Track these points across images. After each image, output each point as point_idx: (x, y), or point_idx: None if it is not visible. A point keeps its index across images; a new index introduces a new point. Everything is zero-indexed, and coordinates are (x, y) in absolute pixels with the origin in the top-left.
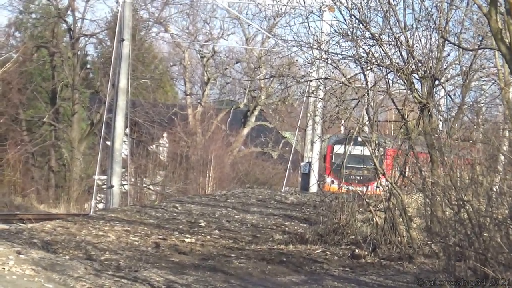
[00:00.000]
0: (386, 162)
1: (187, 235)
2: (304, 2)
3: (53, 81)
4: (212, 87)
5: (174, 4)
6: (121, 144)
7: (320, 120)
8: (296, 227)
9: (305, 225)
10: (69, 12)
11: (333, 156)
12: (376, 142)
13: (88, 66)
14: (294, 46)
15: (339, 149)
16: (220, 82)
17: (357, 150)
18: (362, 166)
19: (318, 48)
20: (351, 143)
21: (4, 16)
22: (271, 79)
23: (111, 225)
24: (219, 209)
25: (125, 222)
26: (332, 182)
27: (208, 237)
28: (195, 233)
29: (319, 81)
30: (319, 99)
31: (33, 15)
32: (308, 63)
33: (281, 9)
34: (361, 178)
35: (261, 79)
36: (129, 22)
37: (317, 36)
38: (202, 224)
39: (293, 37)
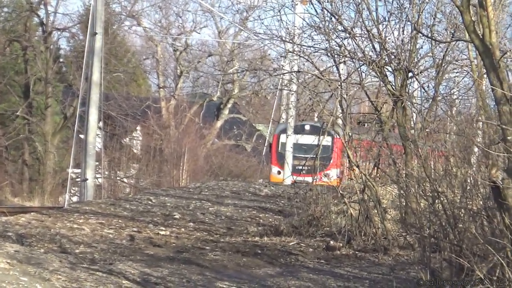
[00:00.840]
0: (335, 151)
1: (161, 228)
2: None
3: (26, 75)
4: (185, 80)
5: None
6: (95, 137)
7: (293, 113)
8: (270, 219)
9: (279, 217)
10: (41, 6)
11: (279, 145)
12: (349, 134)
13: (61, 60)
14: (267, 39)
15: (285, 138)
16: (193, 75)
17: (305, 139)
18: (310, 156)
19: (291, 41)
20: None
21: None
22: (244, 72)
23: (86, 218)
24: (194, 202)
25: (99, 215)
26: (279, 172)
27: (183, 229)
28: (169, 225)
29: (292, 74)
30: (292, 92)
31: (5, 9)
32: (281, 56)
33: (253, 2)
34: (309, 168)
35: (234, 73)
36: (102, 15)
37: (289, 29)
38: (177, 216)
39: (265, 31)
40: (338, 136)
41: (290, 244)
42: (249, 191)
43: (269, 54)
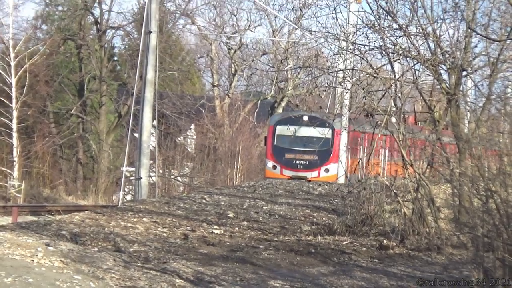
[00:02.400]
0: (335, 143)
1: (215, 227)
2: None
3: (80, 73)
4: (239, 79)
5: None
6: (149, 136)
7: (347, 111)
8: (324, 218)
9: (333, 216)
10: (96, 5)
11: (275, 138)
12: (403, 133)
13: (115, 58)
14: (321, 37)
15: (282, 130)
16: (247, 73)
17: (303, 131)
18: (309, 149)
19: (345, 39)
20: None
21: (31, 9)
22: (298, 70)
23: (140, 217)
24: (247, 200)
25: (153, 213)
26: (274, 167)
27: (237, 228)
28: (223, 224)
29: (346, 72)
30: (347, 90)
31: (60, 8)
32: (335, 54)
33: (308, 0)
34: (307, 162)
35: (288, 70)
36: (156, 14)
37: (344, 27)
38: (231, 215)
39: (320, 29)
40: (338, 128)
41: (344, 243)
42: (302, 190)
43: (323, 52)
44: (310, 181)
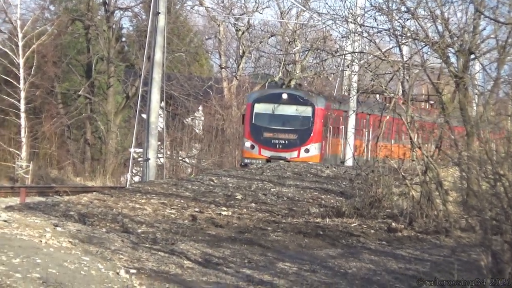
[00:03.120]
0: (316, 122)
1: (223, 208)
2: None
3: (88, 54)
4: (247, 61)
5: None
6: (157, 117)
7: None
8: (332, 201)
9: (341, 198)
10: None
11: (253, 116)
12: (412, 116)
13: (123, 39)
14: (329, 19)
15: (260, 108)
16: (255, 55)
17: (282, 110)
18: (288, 128)
19: (353, 21)
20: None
21: None
22: (306, 52)
23: (148, 198)
24: (255, 182)
25: (161, 195)
26: (252, 146)
27: (245, 210)
28: (231, 206)
29: (354, 55)
30: (354, 73)
31: None
32: (343, 37)
33: None
34: (286, 142)
35: (296, 53)
36: None
37: (352, 9)
38: (239, 197)
39: (328, 11)
40: (319, 106)
41: (352, 225)
42: (310, 172)
43: (331, 35)
44: (289, 161)
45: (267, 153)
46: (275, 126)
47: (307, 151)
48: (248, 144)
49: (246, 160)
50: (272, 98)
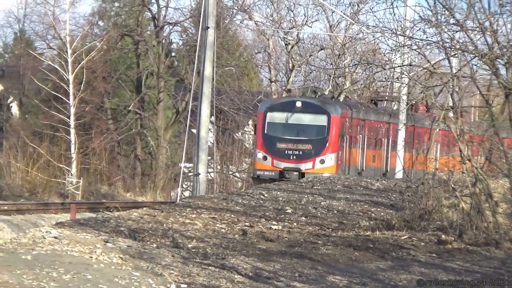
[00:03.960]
0: (332, 131)
1: (273, 222)
2: None
3: (138, 70)
4: (297, 74)
5: None
6: (207, 131)
7: (405, 106)
8: (382, 213)
9: (391, 211)
10: (153, 0)
11: (266, 125)
12: (461, 128)
13: (173, 54)
14: (378, 32)
15: (273, 117)
16: (304, 69)
17: (296, 119)
18: (303, 138)
19: (402, 34)
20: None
21: (88, 5)
22: (356, 65)
23: (198, 213)
24: (306, 196)
25: (211, 209)
26: (265, 158)
27: (295, 224)
28: (281, 220)
29: (404, 67)
30: (404, 85)
31: (117, 4)
32: (392, 50)
33: None
34: (300, 153)
35: (346, 66)
36: (214, 9)
37: (401, 22)
38: (289, 211)
39: (377, 24)
40: (334, 114)
41: (402, 238)
42: (360, 185)
43: (380, 48)
44: (303, 175)
45: (280, 165)
46: (288, 136)
47: (322, 162)
48: (260, 155)
49: (258, 172)
50: (285, 107)
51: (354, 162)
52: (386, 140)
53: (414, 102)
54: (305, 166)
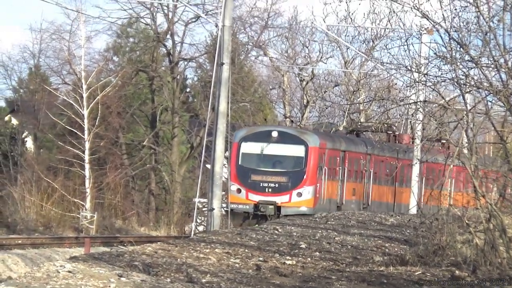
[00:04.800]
0: (310, 163)
1: (287, 257)
2: (404, 25)
3: (152, 105)
4: (312, 110)
5: (273, 27)
6: (221, 167)
7: (419, 143)
8: (396, 249)
9: (405, 246)
10: (168, 36)
11: (240, 156)
12: (476, 164)
13: (188, 89)
14: (393, 69)
15: (247, 147)
16: (319, 105)
17: (272, 149)
18: (279, 170)
19: (417, 71)
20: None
21: (103, 40)
22: (370, 101)
23: (212, 248)
24: (320, 231)
25: (226, 244)
26: (239, 190)
27: (309, 259)
28: (295, 255)
29: (418, 104)
30: (419, 122)
31: (132, 39)
32: (407, 86)
33: (380, 31)
34: (276, 185)
35: (361, 103)
36: (229, 46)
37: (415, 59)
38: (303, 246)
39: (392, 60)
40: (312, 144)
41: (416, 273)
42: (374, 221)
43: (395, 84)
44: (279, 209)
45: (255, 198)
46: (264, 167)
47: (299, 195)
48: (234, 188)
49: (232, 206)
50: (260, 137)
51: (333, 195)
52: (367, 172)
53: (398, 133)
54: (281, 199)
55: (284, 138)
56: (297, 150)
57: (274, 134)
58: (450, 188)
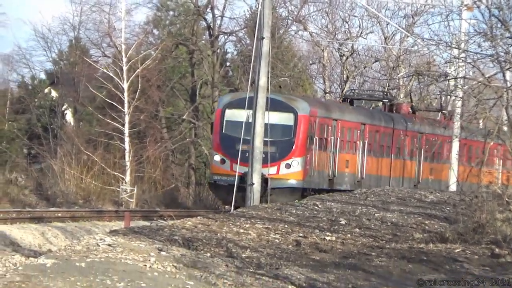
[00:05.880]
0: (300, 132)
1: (327, 233)
2: (444, 1)
3: (192, 79)
4: (351, 86)
5: (313, 2)
6: (261, 141)
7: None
8: (436, 226)
9: (445, 224)
10: (208, 10)
11: (224, 124)
12: None
13: (227, 63)
14: (433, 45)
15: (232, 114)
16: (359, 80)
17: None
18: (266, 139)
19: (457, 47)
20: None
21: (143, 13)
22: (410, 77)
23: (252, 223)
24: (359, 208)
25: (265, 219)
26: (222, 161)
27: (349, 235)
28: (335, 231)
29: (458, 81)
30: (458, 99)
31: (171, 13)
32: (447, 62)
33: (420, 7)
34: (263, 156)
35: (400, 77)
36: (269, 20)
37: (456, 35)
38: (343, 222)
39: (432, 36)
40: (302, 112)
41: (456, 251)
42: (414, 197)
43: (435, 60)
44: (267, 181)
45: (240, 169)
46: (250, 136)
47: (288, 166)
48: (217, 158)
49: (215, 177)
50: (246, 103)
51: (325, 167)
52: (361, 143)
53: (396, 102)
54: (268, 171)
55: (272, 104)
56: (285, 118)
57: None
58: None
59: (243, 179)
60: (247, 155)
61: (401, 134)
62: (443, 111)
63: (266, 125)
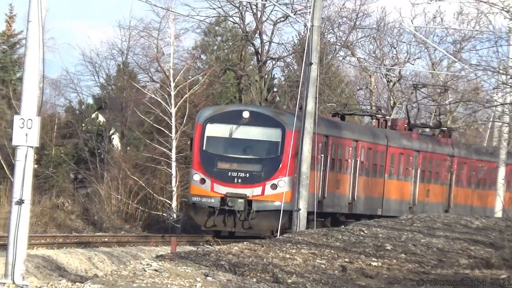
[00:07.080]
0: (287, 149)
1: (373, 259)
2: (494, 28)
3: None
4: (398, 111)
5: (361, 28)
6: (308, 167)
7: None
8: (481, 252)
9: (490, 249)
10: (256, 35)
11: (204, 140)
12: None
13: (275, 89)
14: (480, 70)
15: (213, 130)
16: (406, 106)
17: (242, 132)
18: (251, 156)
19: (505, 72)
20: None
21: (191, 38)
22: (457, 103)
23: (298, 248)
24: (405, 233)
25: (311, 245)
26: (202, 181)
27: (394, 260)
28: (381, 256)
29: (505, 106)
30: (506, 125)
31: (219, 38)
32: (495, 88)
33: (468, 33)
34: (247, 175)
35: (447, 104)
36: (317, 46)
37: (503, 60)
38: (388, 247)
39: (479, 62)
40: (290, 128)
41: (501, 277)
42: (460, 223)
43: (482, 86)
44: (250, 203)
45: (221, 190)
46: (232, 154)
47: (274, 187)
48: (197, 177)
49: (194, 199)
50: (229, 117)
51: (314, 188)
52: (353, 161)
53: (391, 118)
54: (252, 192)
55: (257, 119)
56: (272, 134)
57: (245, 114)
58: None
59: (225, 200)
60: (229, 174)
61: (426, 157)
62: (443, 128)
63: (250, 141)
